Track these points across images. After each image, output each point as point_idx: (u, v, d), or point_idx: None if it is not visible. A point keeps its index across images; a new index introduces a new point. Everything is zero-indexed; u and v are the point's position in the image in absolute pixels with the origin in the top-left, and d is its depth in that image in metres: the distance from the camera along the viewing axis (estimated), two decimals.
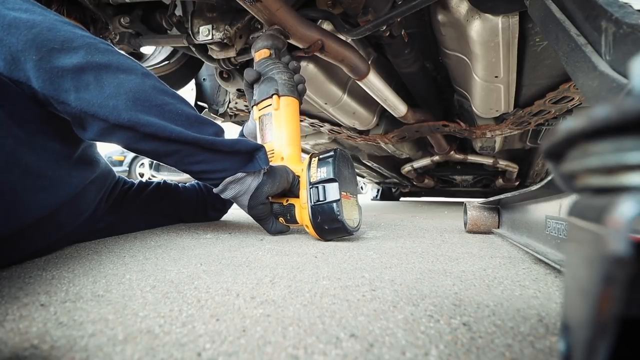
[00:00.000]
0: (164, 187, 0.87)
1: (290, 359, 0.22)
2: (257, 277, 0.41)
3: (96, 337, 0.25)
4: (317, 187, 0.64)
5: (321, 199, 0.63)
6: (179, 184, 0.92)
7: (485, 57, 0.86)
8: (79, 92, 0.47)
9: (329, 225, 0.63)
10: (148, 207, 0.81)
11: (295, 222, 0.71)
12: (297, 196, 0.70)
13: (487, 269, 0.45)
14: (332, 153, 0.66)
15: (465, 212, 0.83)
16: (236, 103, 1.37)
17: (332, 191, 0.63)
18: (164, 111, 0.54)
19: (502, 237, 0.71)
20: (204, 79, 1.53)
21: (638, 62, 0.12)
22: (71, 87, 0.47)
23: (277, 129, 0.74)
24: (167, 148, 0.56)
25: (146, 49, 1.26)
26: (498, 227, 0.79)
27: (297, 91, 0.78)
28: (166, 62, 1.25)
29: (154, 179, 0.89)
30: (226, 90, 1.42)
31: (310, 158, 0.68)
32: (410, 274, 0.42)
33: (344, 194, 0.65)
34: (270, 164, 0.69)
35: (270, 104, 0.74)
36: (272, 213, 0.73)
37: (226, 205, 0.99)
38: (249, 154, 0.64)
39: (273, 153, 0.74)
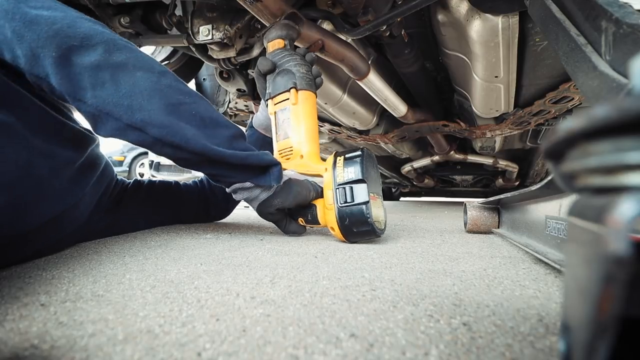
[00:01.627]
0: (164, 185, 0.86)
1: (290, 359, 0.22)
2: (257, 277, 0.41)
3: (96, 337, 0.25)
4: (344, 188, 0.61)
5: (349, 200, 0.61)
6: (180, 182, 0.91)
7: (485, 57, 0.86)
8: (95, 90, 0.47)
9: (358, 228, 0.61)
10: (147, 206, 0.80)
11: (317, 223, 0.68)
12: (319, 197, 0.68)
13: (487, 269, 0.45)
14: (359, 152, 0.63)
15: (465, 212, 0.83)
16: (236, 103, 1.37)
17: (361, 193, 0.60)
18: (179, 111, 0.53)
19: (502, 237, 0.71)
20: (204, 79, 1.53)
21: (638, 62, 0.12)
22: (88, 85, 0.47)
23: (295, 124, 0.70)
24: (176, 154, 0.56)
25: (146, 49, 1.26)
26: (498, 227, 0.79)
27: (315, 85, 0.74)
28: (166, 62, 1.25)
29: (153, 179, 0.89)
30: (226, 90, 1.42)
31: (335, 157, 0.66)
32: (410, 274, 0.42)
33: (371, 195, 0.62)
34: (292, 174, 0.67)
35: (288, 98, 0.70)
36: (288, 214, 0.71)
37: (230, 205, 0.96)
38: (262, 169, 0.63)
39: (291, 150, 0.71)
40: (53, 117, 0.49)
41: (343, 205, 0.61)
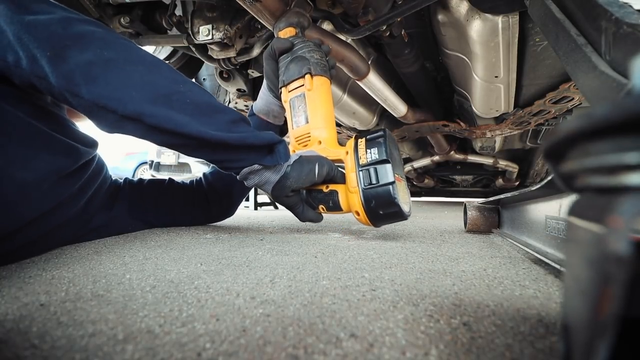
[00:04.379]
0: (158, 183, 0.84)
1: (290, 359, 0.22)
2: (257, 277, 0.41)
3: (96, 337, 0.25)
4: (368, 170, 0.59)
5: (373, 182, 0.59)
6: (176, 180, 0.89)
7: (485, 57, 0.86)
8: (88, 85, 0.49)
9: (385, 210, 0.59)
10: (143, 204, 0.79)
11: (339, 209, 0.66)
12: (338, 183, 0.67)
13: (487, 269, 0.45)
14: (381, 133, 0.61)
15: (465, 212, 0.83)
16: (236, 103, 1.37)
17: (386, 173, 0.58)
18: (171, 100, 0.54)
19: (502, 237, 0.71)
20: (204, 79, 1.53)
21: (638, 62, 0.12)
22: (81, 81, 0.49)
23: (311, 110, 0.68)
24: (175, 141, 0.56)
25: (146, 49, 1.26)
26: (498, 227, 0.79)
27: (330, 73, 0.72)
28: (166, 62, 1.25)
29: (145, 178, 0.87)
30: (226, 90, 1.42)
31: (356, 139, 0.64)
32: (410, 273, 0.42)
33: (396, 175, 0.60)
34: (304, 153, 0.66)
35: (302, 84, 0.68)
36: (305, 201, 0.69)
37: (232, 201, 0.92)
38: (266, 147, 0.62)
39: (309, 137, 0.69)
40: (37, 128, 0.52)
41: (368, 187, 0.59)
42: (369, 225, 0.64)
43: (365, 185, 0.60)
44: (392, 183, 0.58)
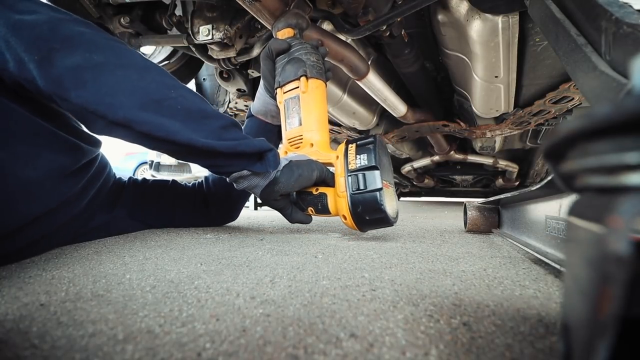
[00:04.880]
0: (161, 183, 0.84)
1: (290, 359, 0.22)
2: (257, 277, 0.41)
3: (96, 337, 0.25)
4: (356, 175, 0.60)
5: (361, 187, 0.60)
6: (178, 181, 0.89)
7: (485, 57, 0.86)
8: (77, 90, 0.48)
9: (371, 216, 0.60)
10: (144, 204, 0.79)
11: (327, 212, 0.67)
12: (329, 185, 0.67)
13: (487, 269, 0.45)
14: (372, 139, 0.63)
15: (465, 212, 0.83)
16: (236, 103, 1.37)
17: (374, 179, 0.59)
18: (162, 107, 0.53)
19: (502, 237, 0.71)
20: (204, 79, 1.53)
21: (638, 61, 0.12)
22: (70, 85, 0.48)
23: (305, 113, 0.69)
24: (165, 147, 0.56)
25: (146, 49, 1.26)
26: (498, 227, 0.79)
27: (325, 76, 0.73)
28: (166, 62, 1.25)
29: (149, 178, 0.87)
30: (226, 90, 1.42)
31: (347, 144, 0.65)
32: (411, 274, 0.42)
33: (384, 182, 0.61)
34: (295, 157, 0.66)
35: (298, 86, 0.69)
36: (294, 202, 0.70)
37: (234, 205, 0.92)
38: (256, 155, 0.62)
39: (301, 139, 0.70)
40: (41, 126, 0.51)
41: (355, 192, 0.60)
42: (355, 229, 0.65)
43: (353, 190, 0.60)
44: (380, 189, 0.59)
